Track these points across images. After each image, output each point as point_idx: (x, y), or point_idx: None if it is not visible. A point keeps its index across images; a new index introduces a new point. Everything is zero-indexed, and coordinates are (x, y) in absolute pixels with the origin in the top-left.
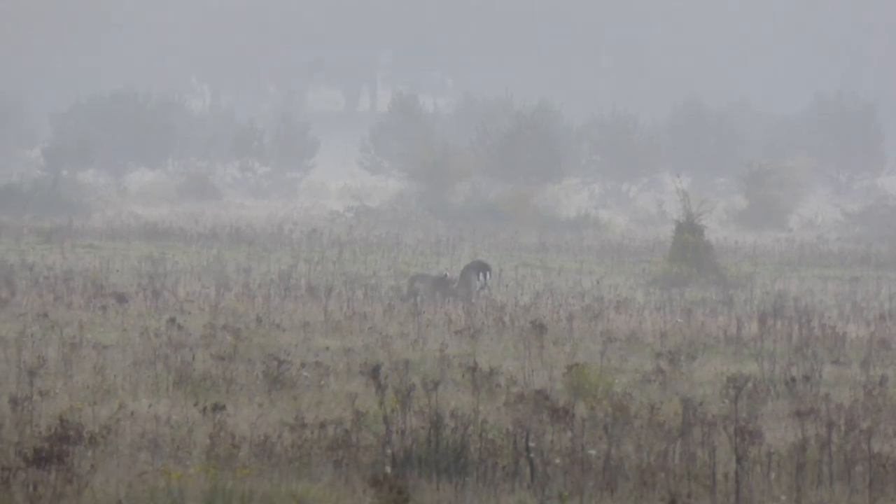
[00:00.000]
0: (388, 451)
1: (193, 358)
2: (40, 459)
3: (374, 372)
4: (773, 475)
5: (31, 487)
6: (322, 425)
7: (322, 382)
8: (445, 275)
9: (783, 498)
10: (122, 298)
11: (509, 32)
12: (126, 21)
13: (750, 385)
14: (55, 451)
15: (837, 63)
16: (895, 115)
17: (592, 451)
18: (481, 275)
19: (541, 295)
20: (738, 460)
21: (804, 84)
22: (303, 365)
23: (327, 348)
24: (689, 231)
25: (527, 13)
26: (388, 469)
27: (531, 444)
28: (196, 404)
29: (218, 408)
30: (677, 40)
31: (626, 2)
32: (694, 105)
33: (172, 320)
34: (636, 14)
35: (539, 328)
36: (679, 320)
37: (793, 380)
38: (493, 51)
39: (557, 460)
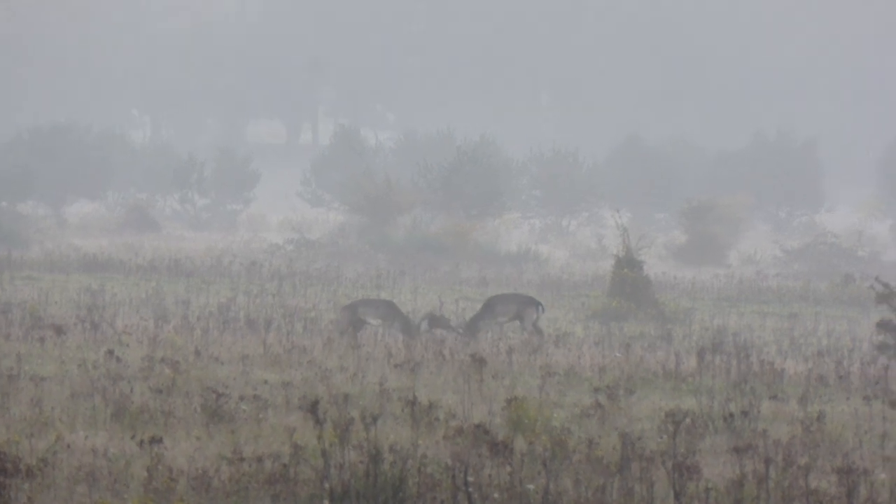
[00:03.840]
0: (327, 486)
1: (131, 390)
2: None
3: (312, 406)
4: None
5: None
6: (260, 459)
7: (260, 416)
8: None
9: None
10: (60, 330)
11: (450, 68)
12: (67, 53)
13: (688, 420)
14: None
15: (778, 100)
16: (834, 153)
17: (531, 486)
18: (539, 308)
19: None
20: (677, 496)
21: (744, 121)
22: (241, 398)
23: (266, 382)
24: (628, 266)
25: (468, 49)
26: (327, 503)
27: (470, 479)
28: (134, 437)
29: (156, 441)
30: (617, 77)
31: (566, 39)
32: (634, 141)
33: (111, 352)
34: (576, 51)
35: (479, 362)
36: (618, 355)
37: (731, 415)
38: (434, 86)
39: (496, 495)
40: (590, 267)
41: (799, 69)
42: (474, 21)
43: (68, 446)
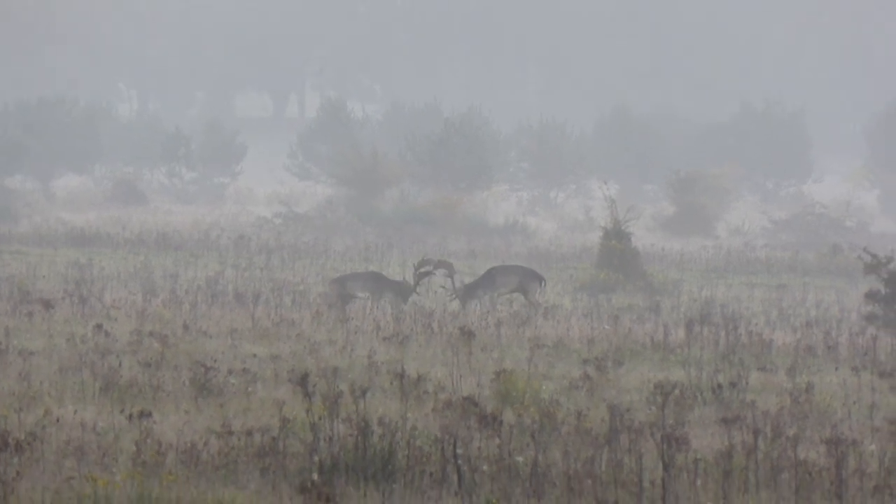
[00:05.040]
0: (316, 459)
1: (120, 364)
2: None
3: (301, 379)
4: (699, 482)
5: None
6: (249, 432)
7: (249, 389)
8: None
9: None
10: (48, 304)
11: (437, 40)
12: (53, 27)
13: (677, 392)
14: None
15: (765, 70)
16: (822, 123)
17: (520, 458)
18: (542, 282)
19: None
20: (665, 467)
21: (731, 92)
22: (230, 372)
23: (254, 355)
24: (616, 238)
25: (454, 21)
26: (316, 476)
27: (459, 451)
28: (122, 411)
29: (144, 415)
30: (604, 49)
31: (554, 10)
32: (621, 113)
33: (99, 327)
34: (563, 22)
35: (467, 334)
36: (606, 327)
37: (719, 386)
38: (421, 58)
39: (485, 467)
40: (578, 239)
41: (786, 40)
42: None
43: (57, 420)
